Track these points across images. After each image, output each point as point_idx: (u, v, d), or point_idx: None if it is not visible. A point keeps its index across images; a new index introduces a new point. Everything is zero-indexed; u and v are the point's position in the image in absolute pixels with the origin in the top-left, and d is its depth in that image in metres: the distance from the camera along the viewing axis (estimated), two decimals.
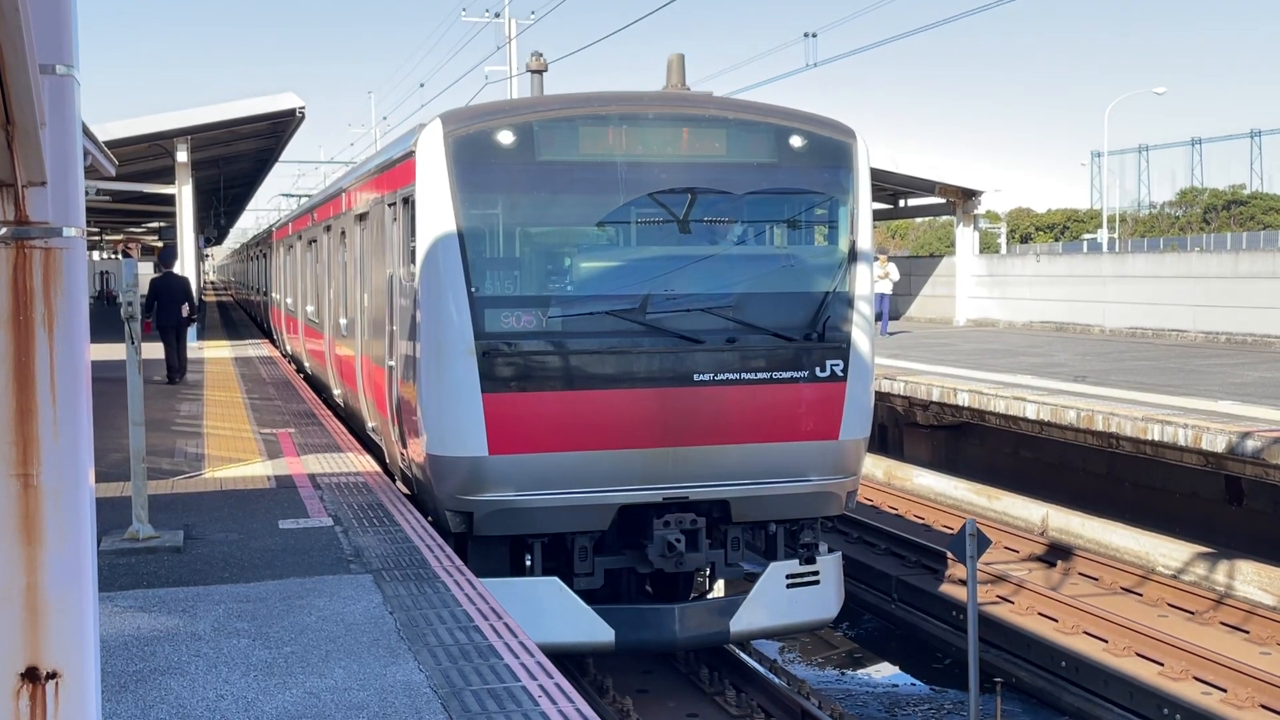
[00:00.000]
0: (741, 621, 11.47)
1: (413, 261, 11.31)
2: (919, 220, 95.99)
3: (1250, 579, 14.99)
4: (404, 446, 11.91)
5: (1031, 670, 13.56)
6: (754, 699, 12.17)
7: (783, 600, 11.64)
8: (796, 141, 11.53)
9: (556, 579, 10.94)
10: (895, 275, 32.36)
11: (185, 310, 21.44)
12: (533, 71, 13.26)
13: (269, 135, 32.62)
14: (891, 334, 31.19)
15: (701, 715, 12.01)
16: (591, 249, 11.70)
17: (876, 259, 30.83)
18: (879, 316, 30.34)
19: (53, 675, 3.34)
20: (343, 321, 16.73)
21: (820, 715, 11.50)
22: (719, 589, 12.84)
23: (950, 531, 17.86)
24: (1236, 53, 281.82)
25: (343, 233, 16.92)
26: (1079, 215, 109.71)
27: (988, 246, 60.86)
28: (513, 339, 10.69)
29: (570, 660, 11.94)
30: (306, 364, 23.19)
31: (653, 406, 10.92)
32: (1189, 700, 11.85)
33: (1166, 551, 16.33)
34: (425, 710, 6.05)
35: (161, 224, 50.83)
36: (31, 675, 3.33)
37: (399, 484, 12.49)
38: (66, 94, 3.34)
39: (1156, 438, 15.02)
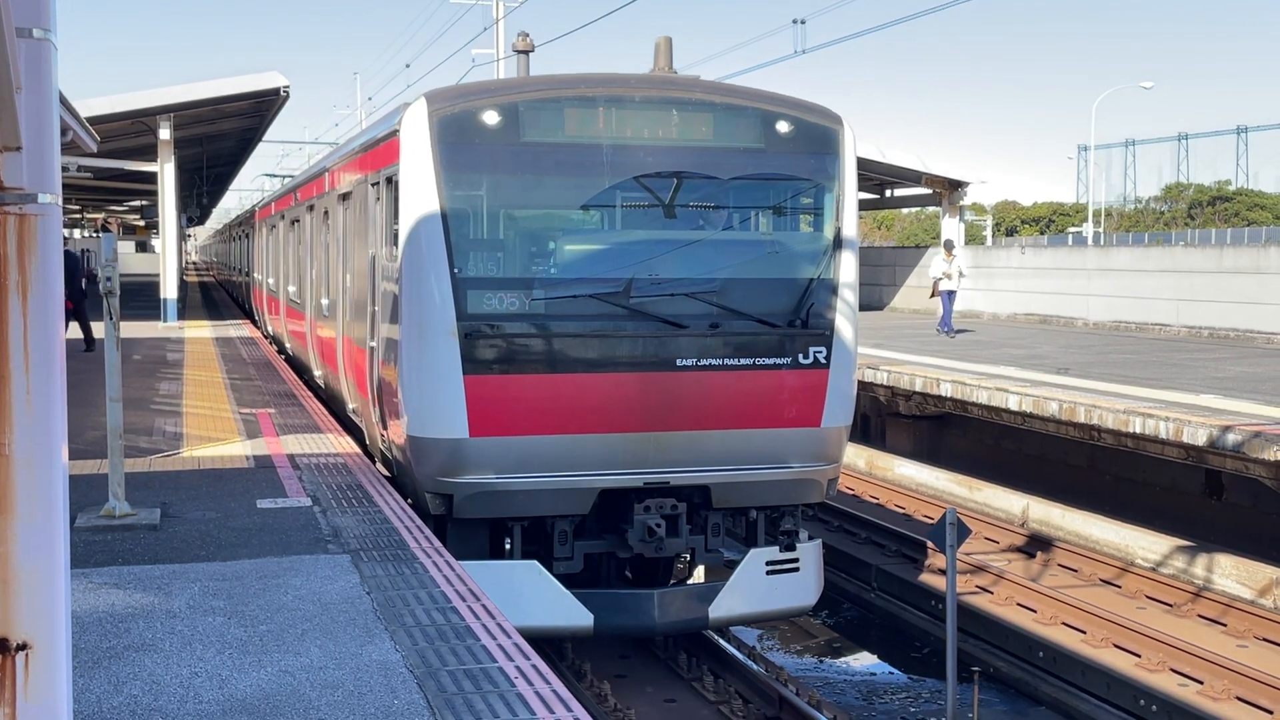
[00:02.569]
0: (721, 608, 11.45)
1: (395, 242, 11.25)
2: (905, 211, 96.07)
3: (1229, 572, 15.04)
4: (384, 428, 11.86)
5: (1009, 660, 13.58)
6: (732, 685, 12.16)
7: (762, 587, 11.63)
8: (783, 127, 11.49)
9: (536, 562, 10.91)
10: (964, 270, 28.32)
11: (84, 284, 23.66)
12: (519, 52, 13.19)
13: (253, 114, 32.45)
14: (955, 332, 27.81)
15: (679, 701, 12.00)
16: (576, 232, 11.66)
17: (944, 252, 28.13)
18: (943, 315, 27.69)
19: (23, 647, 3.30)
20: (324, 302, 16.66)
21: (798, 703, 11.49)
22: (699, 575, 12.84)
23: (931, 521, 17.88)
24: (1224, 49, 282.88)
25: (325, 213, 16.85)
26: (1065, 209, 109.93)
27: (973, 238, 61.02)
28: (495, 321, 10.64)
29: (549, 644, 11.92)
30: (288, 345, 23.12)
31: (635, 391, 10.89)
32: (1166, 692, 11.88)
33: (1146, 544, 16.37)
34: (400, 689, 6.01)
35: (143, 202, 50.60)
36: (1, 646, 3.29)
37: (379, 465, 12.45)
38: (43, 58, 3.29)
39: (1138, 431, 15.04)
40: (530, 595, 10.77)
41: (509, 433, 10.69)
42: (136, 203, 53.64)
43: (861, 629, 15.89)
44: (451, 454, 10.65)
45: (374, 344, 12.31)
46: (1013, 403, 17.35)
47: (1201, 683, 11.95)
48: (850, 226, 11.64)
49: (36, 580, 3.33)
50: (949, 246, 28.72)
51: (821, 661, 14.74)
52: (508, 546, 11.13)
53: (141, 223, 60.03)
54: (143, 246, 72.03)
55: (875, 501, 20.74)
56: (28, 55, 3.22)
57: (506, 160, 10.98)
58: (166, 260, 31.52)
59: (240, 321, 34.37)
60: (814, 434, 11.44)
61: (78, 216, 64.96)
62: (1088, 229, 78.19)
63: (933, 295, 28.32)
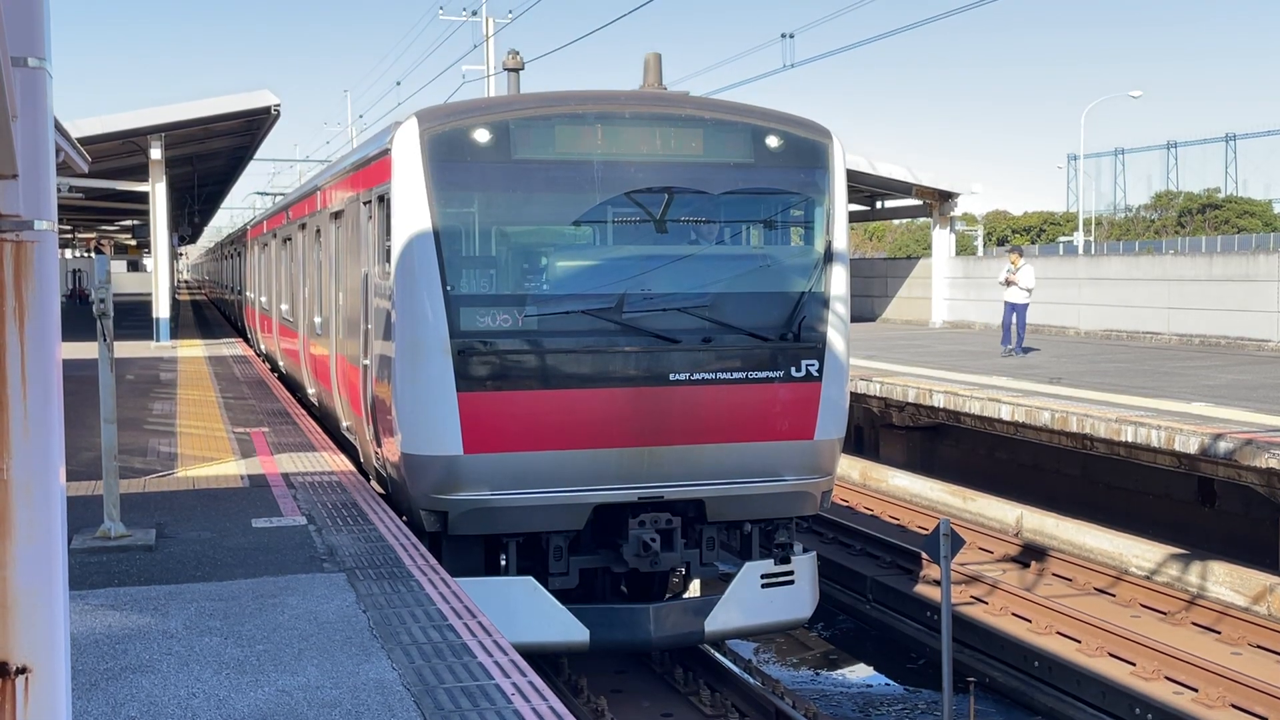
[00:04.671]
0: (716, 621, 11.47)
1: (388, 260, 11.28)
2: (896, 222, 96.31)
3: (1222, 580, 15.07)
4: (379, 445, 11.88)
5: (1005, 670, 13.60)
6: (728, 699, 12.17)
7: (757, 600, 11.65)
8: (773, 141, 11.54)
9: (531, 578, 10.92)
10: (1031, 280, 24.46)
11: None
12: (509, 70, 13.23)
13: (244, 133, 32.48)
14: (1026, 351, 24.88)
15: (676, 715, 12.01)
16: (567, 248, 11.70)
17: (1008, 258, 25.07)
18: (1019, 329, 24.49)
19: (23, 671, 3.31)
20: (317, 320, 16.67)
21: (795, 715, 11.51)
22: (694, 589, 12.84)
23: (925, 532, 17.90)
24: (1212, 57, 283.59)
25: (318, 231, 16.87)
26: (1055, 218, 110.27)
27: (964, 249, 61.11)
28: (488, 338, 10.67)
29: (545, 660, 11.92)
30: (281, 363, 23.11)
31: (628, 406, 10.92)
32: (1161, 700, 11.91)
33: (1139, 552, 16.41)
34: (398, 708, 6.03)
35: (135, 222, 50.59)
36: (1, 671, 3.31)
37: (374, 483, 12.46)
38: (38, 87, 3.31)
39: (1130, 439, 15.08)
40: (526, 611, 10.78)
41: (503, 449, 10.71)
42: (128, 222, 53.63)
43: (857, 641, 15.90)
44: (446, 471, 10.67)
45: (367, 361, 12.33)
46: (1005, 413, 17.39)
47: (1196, 690, 11.98)
48: (841, 239, 11.69)
49: (35, 604, 3.34)
50: (1016, 251, 25.67)
51: (818, 674, 14.75)
52: (503, 563, 11.14)
53: (133, 242, 59.94)
54: (135, 266, 72.01)
55: (869, 513, 20.76)
56: (23, 84, 3.24)
57: (498, 178, 11.02)
58: (159, 279, 31.53)
59: (233, 340, 34.36)
60: (807, 447, 11.46)
61: (69, 237, 64.93)
62: (1078, 238, 78.38)
63: None
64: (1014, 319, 24.57)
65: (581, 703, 11.82)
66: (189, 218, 60.93)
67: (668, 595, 12.70)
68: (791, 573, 11.79)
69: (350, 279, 13.68)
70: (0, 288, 3.26)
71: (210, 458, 13.61)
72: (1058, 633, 13.87)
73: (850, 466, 22.99)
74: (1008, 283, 24.38)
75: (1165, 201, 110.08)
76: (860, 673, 14.92)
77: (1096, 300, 30.11)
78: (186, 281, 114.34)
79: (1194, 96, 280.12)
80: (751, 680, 12.63)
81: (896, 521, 20.00)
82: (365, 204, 12.58)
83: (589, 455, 10.86)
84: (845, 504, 21.15)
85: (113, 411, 9.89)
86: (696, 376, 11.07)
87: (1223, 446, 13.78)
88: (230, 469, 12.89)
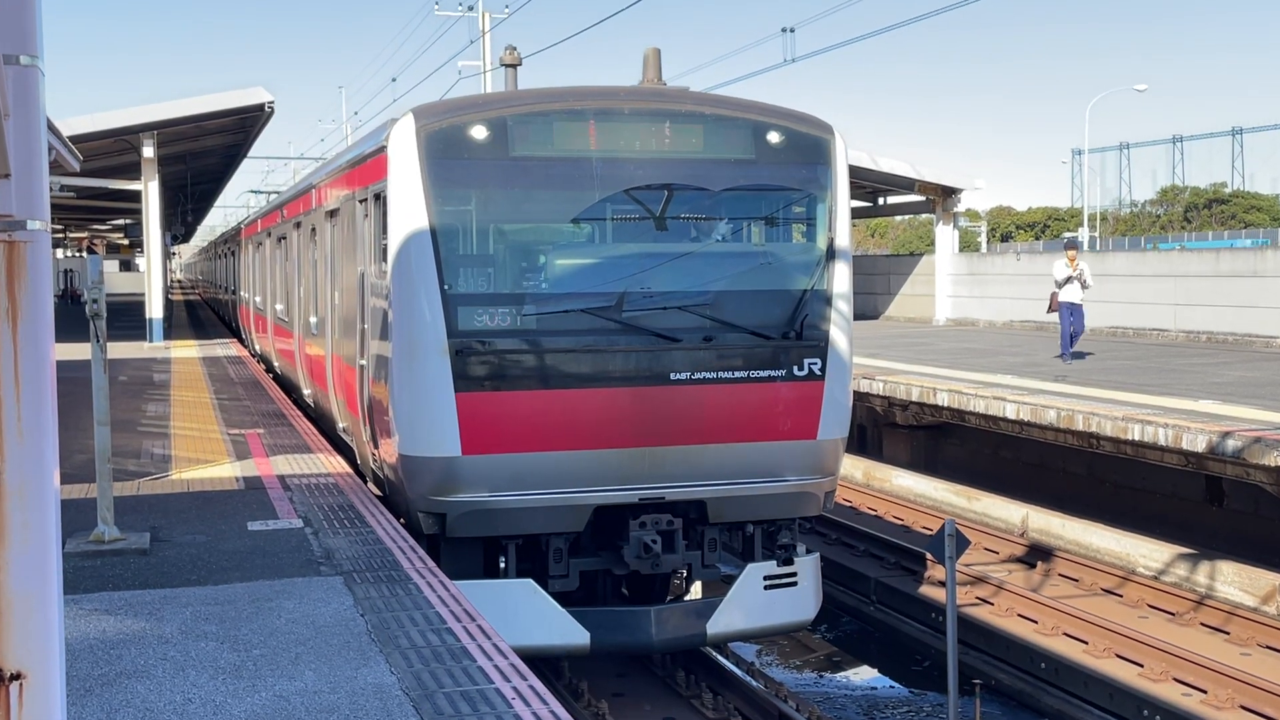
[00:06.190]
0: (718, 624, 11.35)
1: (384, 259, 11.17)
2: (899, 219, 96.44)
3: (1231, 580, 14.97)
4: (375, 447, 11.76)
5: (1011, 672, 13.50)
6: (731, 702, 12.08)
7: (760, 602, 11.54)
8: (774, 137, 11.43)
9: (531, 581, 10.81)
10: (1089, 278, 21.86)
11: None
12: (507, 66, 13.13)
13: (237, 131, 32.36)
14: (1081, 356, 22.74)
15: (678, 718, 11.91)
16: (566, 246, 11.59)
17: (1066, 254, 21.98)
18: (1073, 334, 22.00)
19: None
20: (313, 320, 16.56)
21: (798, 718, 11.41)
22: (696, 591, 12.74)
23: (929, 532, 17.81)
24: (1218, 51, 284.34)
25: (313, 230, 16.76)
26: (1060, 214, 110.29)
27: (968, 245, 61.17)
28: (486, 337, 10.56)
29: (545, 663, 11.82)
30: (276, 364, 23.01)
31: (629, 406, 10.80)
32: (1169, 701, 11.80)
33: (1147, 552, 16.30)
34: (397, 712, 5.91)
35: (127, 221, 50.44)
36: None
37: (370, 485, 12.34)
38: (30, 85, 3.27)
39: (1137, 438, 14.98)
40: (526, 614, 10.67)
41: (502, 450, 10.59)
42: (120, 221, 53.49)
43: (861, 643, 15.80)
44: (444, 472, 10.55)
45: (364, 362, 12.21)
46: (1010, 411, 17.29)
47: (1205, 692, 11.88)
48: (843, 236, 11.58)
49: (29, 609, 3.29)
50: (1071, 246, 22.59)
51: (821, 676, 14.65)
52: (502, 565, 11.03)
53: (126, 241, 59.93)
54: (127, 265, 72.01)
55: (873, 513, 20.67)
56: (15, 82, 3.20)
57: (495, 175, 10.91)
58: (152, 279, 31.41)
59: (227, 340, 34.26)
60: (810, 446, 11.35)
61: (61, 236, 64.82)
62: (1083, 234, 78.43)
63: (1050, 309, 22.40)
64: (1071, 321, 22.02)
65: (582, 706, 11.73)
66: (182, 216, 60.92)
67: (669, 597, 12.59)
68: (794, 574, 11.68)
69: (346, 278, 13.56)
70: None
71: (205, 460, 13.48)
72: (1064, 634, 13.77)
73: (853, 466, 22.90)
74: (1077, 281, 21.62)
75: (1171, 196, 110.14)
76: (864, 675, 14.82)
77: (1102, 297, 30.00)
78: (180, 281, 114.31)
79: (1200, 90, 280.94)
80: (754, 683, 12.53)
81: (900, 522, 19.90)
82: (361, 202, 12.46)
83: (589, 456, 10.75)
84: (848, 504, 21.05)
85: (106, 413, 9.76)
86: (698, 376, 10.96)
87: (1231, 445, 13.67)
88: (225, 471, 12.77)
